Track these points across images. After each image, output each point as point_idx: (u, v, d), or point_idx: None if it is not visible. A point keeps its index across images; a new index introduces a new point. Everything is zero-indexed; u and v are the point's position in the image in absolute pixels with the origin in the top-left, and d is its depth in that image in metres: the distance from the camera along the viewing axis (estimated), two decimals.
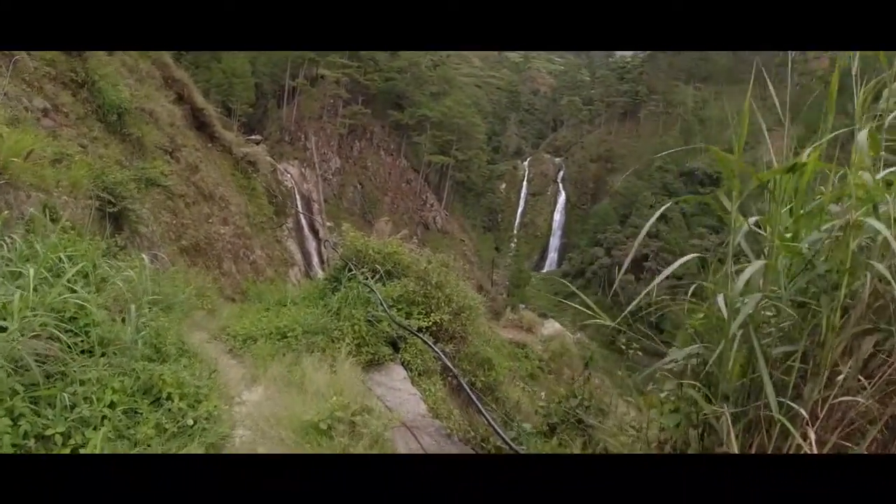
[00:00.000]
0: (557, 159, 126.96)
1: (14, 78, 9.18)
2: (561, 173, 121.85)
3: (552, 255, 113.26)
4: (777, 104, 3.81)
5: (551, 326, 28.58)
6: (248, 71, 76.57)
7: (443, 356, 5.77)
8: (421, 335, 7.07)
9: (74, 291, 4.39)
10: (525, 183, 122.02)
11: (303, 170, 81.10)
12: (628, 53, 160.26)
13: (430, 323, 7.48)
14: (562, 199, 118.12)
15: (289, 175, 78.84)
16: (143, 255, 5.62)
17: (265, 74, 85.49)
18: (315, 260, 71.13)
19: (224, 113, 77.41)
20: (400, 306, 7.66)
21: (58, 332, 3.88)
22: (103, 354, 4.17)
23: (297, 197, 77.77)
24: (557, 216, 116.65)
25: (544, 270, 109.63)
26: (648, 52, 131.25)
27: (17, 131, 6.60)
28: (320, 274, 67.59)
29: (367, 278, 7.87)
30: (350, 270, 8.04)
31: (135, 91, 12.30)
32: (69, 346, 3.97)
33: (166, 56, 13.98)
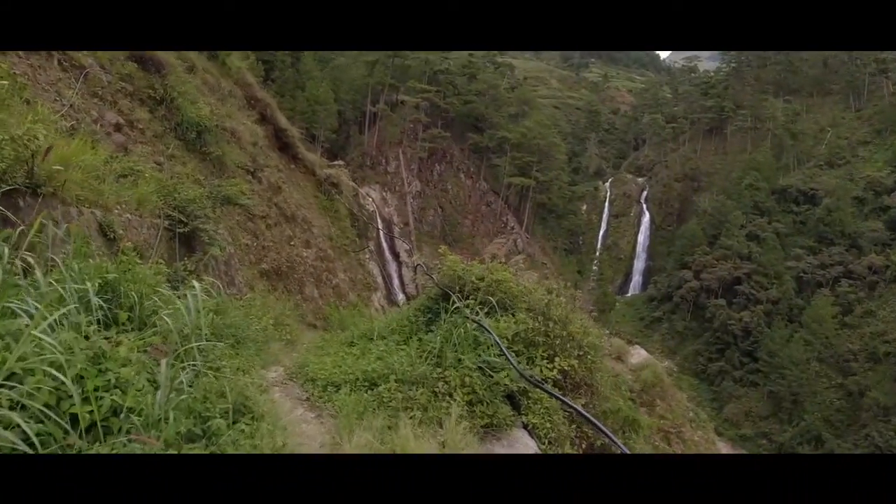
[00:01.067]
0: (640, 179, 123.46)
1: (85, 92, 8.91)
2: (644, 193, 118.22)
3: (636, 279, 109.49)
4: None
5: (638, 354, 27.36)
6: (331, 98, 78.46)
7: (599, 425, 3.80)
8: (557, 393, 5.18)
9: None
10: (607, 204, 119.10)
11: (384, 193, 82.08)
12: (711, 67, 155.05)
13: (556, 371, 5.98)
14: (646, 220, 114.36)
15: (370, 199, 80.00)
16: (195, 282, 4.42)
17: (347, 101, 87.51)
18: (396, 283, 71.49)
19: (308, 139, 79.90)
20: (516, 348, 6.18)
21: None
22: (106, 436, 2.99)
23: (379, 220, 78.76)
24: (641, 238, 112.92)
25: (629, 294, 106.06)
26: (733, 64, 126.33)
27: (70, 140, 6.05)
28: (401, 297, 67.47)
29: (473, 312, 6.43)
30: (451, 301, 6.66)
31: (216, 109, 12.04)
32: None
33: (249, 76, 13.76)
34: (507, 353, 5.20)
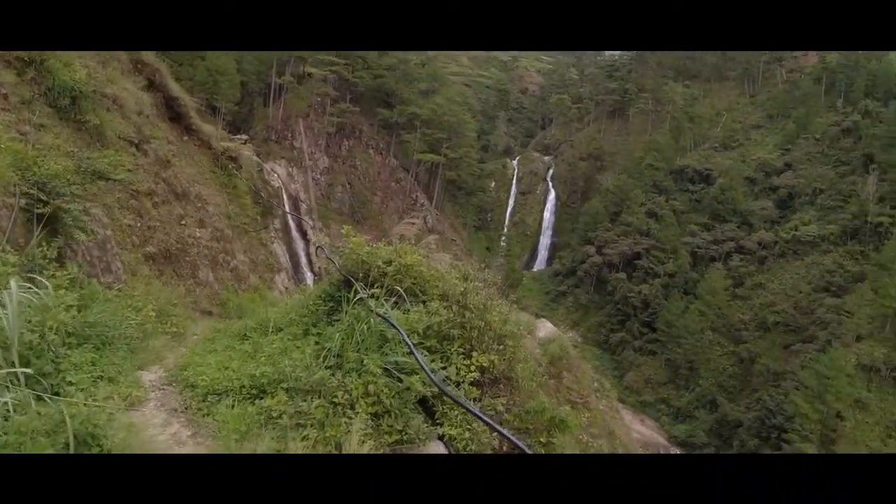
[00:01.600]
0: (547, 158, 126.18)
1: None
2: (550, 172, 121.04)
3: (542, 254, 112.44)
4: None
5: (545, 327, 27.95)
6: (234, 68, 74.64)
7: (504, 433, 3.16)
8: (462, 400, 4.16)
9: None
10: (515, 181, 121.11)
11: (290, 169, 79.51)
12: (616, 52, 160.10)
13: (474, 368, 5.22)
14: (551, 197, 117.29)
15: (276, 174, 77.22)
16: (13, 280, 3.50)
17: (251, 72, 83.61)
18: (304, 262, 69.65)
19: (209, 111, 75.69)
20: (429, 344, 5.36)
21: None
22: None
23: (285, 197, 76.25)
24: (547, 215, 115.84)
25: (535, 269, 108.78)
26: (637, 50, 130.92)
27: None
28: (309, 277, 65.73)
29: (380, 303, 5.60)
30: (353, 290, 5.84)
31: (94, 73, 10.73)
32: None
33: None
34: (416, 352, 4.31)
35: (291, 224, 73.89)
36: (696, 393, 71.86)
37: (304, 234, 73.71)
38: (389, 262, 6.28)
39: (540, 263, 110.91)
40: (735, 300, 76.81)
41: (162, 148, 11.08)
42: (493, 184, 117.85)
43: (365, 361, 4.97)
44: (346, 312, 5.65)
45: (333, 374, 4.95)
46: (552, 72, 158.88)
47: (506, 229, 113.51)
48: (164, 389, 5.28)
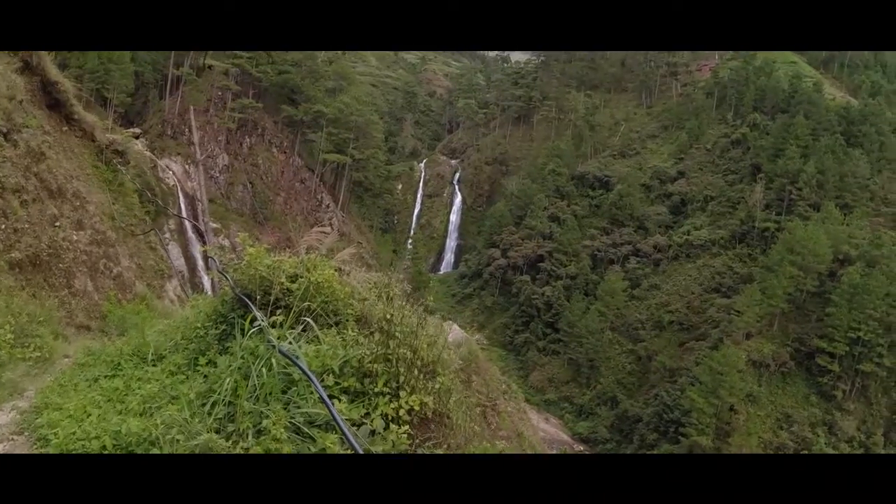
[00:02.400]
0: (453, 161, 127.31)
1: None
2: (457, 175, 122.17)
3: (448, 257, 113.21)
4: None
5: (453, 330, 27.98)
6: (127, 56, 69.99)
7: None
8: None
9: None
10: (421, 184, 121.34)
11: (186, 166, 75.60)
12: (522, 58, 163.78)
13: (403, 412, 4.24)
14: (458, 200, 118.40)
15: (171, 171, 73.11)
16: None
17: (146, 62, 78.95)
18: (200, 265, 66.19)
19: (99, 102, 70.54)
20: (347, 384, 4.39)
21: None
22: None
23: (181, 195, 72.31)
24: (453, 217, 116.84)
25: (441, 272, 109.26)
26: (542, 58, 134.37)
27: None
28: (207, 283, 62.57)
29: (283, 335, 4.53)
30: (250, 317, 4.73)
31: None
32: None
33: None
34: (330, 406, 3.31)
35: (187, 225, 70.17)
36: (597, 391, 74.50)
37: (200, 236, 70.19)
38: (295, 279, 5.34)
39: (446, 266, 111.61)
40: (632, 301, 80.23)
41: (35, 138, 9.67)
42: (399, 186, 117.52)
43: (264, 422, 3.81)
44: (240, 346, 4.50)
45: (223, 432, 3.84)
46: (460, 76, 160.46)
47: (412, 232, 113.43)
48: (12, 440, 4.19)
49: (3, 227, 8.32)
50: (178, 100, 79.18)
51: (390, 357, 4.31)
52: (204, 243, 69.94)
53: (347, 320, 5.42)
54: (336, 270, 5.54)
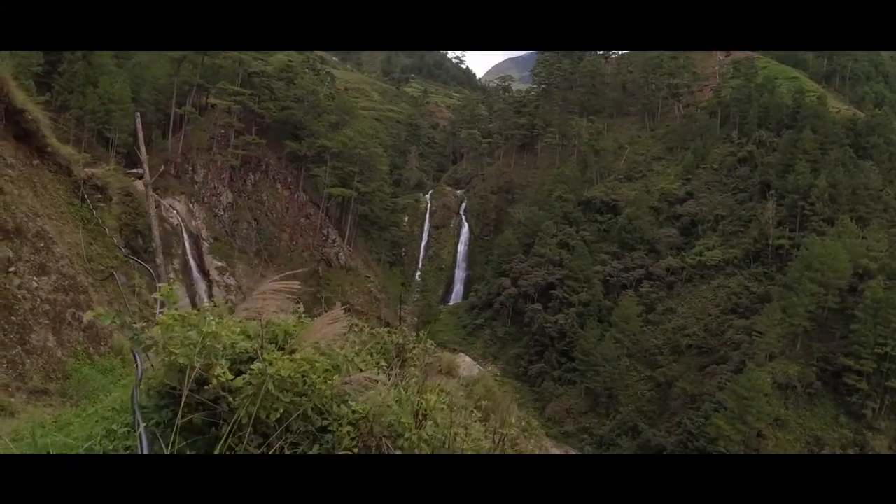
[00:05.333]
0: (459, 191, 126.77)
1: None
2: (463, 205, 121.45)
3: (458, 288, 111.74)
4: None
5: (464, 362, 26.76)
6: (128, 97, 69.89)
7: None
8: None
9: None
10: (428, 215, 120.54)
11: (190, 205, 74.97)
12: (524, 87, 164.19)
13: None
14: (465, 230, 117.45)
15: (174, 211, 72.46)
16: None
17: (149, 102, 78.84)
18: (206, 305, 65.04)
19: (102, 143, 70.24)
20: None
21: None
22: None
23: (185, 234, 71.53)
24: (461, 248, 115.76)
25: (451, 303, 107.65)
26: (543, 86, 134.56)
27: None
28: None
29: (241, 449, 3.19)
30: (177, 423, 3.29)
31: None
32: None
33: None
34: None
35: (192, 264, 69.24)
36: (617, 420, 71.96)
37: (206, 275, 69.18)
38: (246, 364, 3.51)
39: (456, 297, 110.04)
40: (648, 325, 78.25)
41: None
42: (406, 218, 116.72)
43: None
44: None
45: None
46: (462, 107, 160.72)
47: (420, 264, 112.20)
48: None
49: None
50: (181, 139, 78.96)
51: None
52: (209, 282, 68.74)
53: (340, 426, 3.57)
54: (315, 348, 3.87)
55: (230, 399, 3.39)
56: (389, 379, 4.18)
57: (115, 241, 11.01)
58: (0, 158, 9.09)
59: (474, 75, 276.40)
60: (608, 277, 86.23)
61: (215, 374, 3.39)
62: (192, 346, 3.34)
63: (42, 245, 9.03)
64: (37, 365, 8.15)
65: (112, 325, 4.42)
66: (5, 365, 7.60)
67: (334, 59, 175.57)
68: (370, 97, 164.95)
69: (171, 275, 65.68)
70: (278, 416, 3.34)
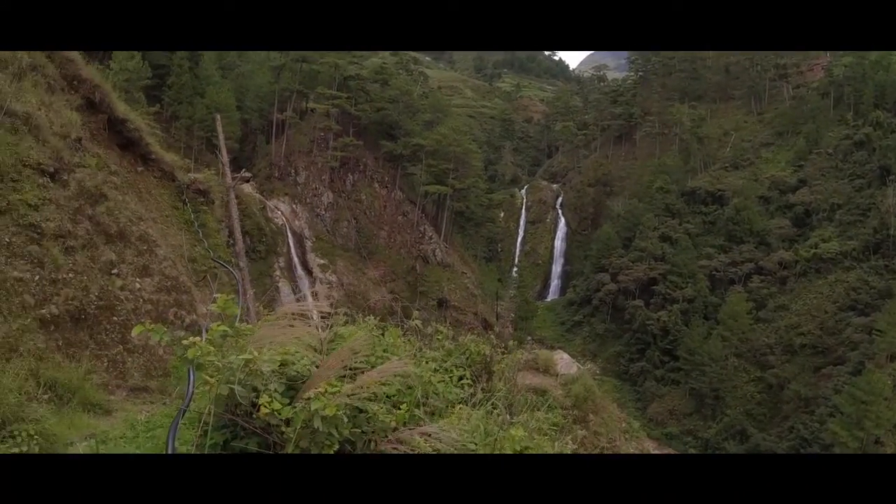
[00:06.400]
0: (555, 185, 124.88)
1: None
2: (559, 199, 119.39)
3: (555, 283, 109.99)
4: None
5: (562, 359, 26.12)
6: (233, 104, 73.62)
7: None
8: None
9: None
10: (524, 210, 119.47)
11: (294, 206, 78.04)
12: (619, 76, 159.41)
13: None
14: (562, 225, 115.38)
15: (279, 212, 75.69)
16: None
17: (253, 109, 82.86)
18: (310, 301, 67.56)
19: (210, 150, 74.44)
20: None
21: None
22: None
23: (289, 234, 74.54)
24: (558, 243, 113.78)
25: (548, 299, 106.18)
26: (640, 73, 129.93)
27: None
28: (316, 318, 64.09)
29: None
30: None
31: None
32: None
33: (71, 51, 10.37)
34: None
35: (296, 261, 72.05)
36: (723, 423, 68.20)
37: (309, 272, 71.76)
38: (292, 393, 3.35)
39: (553, 293, 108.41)
40: (758, 323, 73.67)
41: (91, 179, 8.88)
42: (501, 214, 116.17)
43: None
44: None
45: None
46: (555, 100, 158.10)
47: (517, 259, 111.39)
48: None
49: (38, 278, 7.39)
50: (283, 143, 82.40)
51: None
52: (312, 280, 71.22)
53: None
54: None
55: (283, 429, 3.23)
56: (472, 398, 3.89)
57: (207, 244, 11.34)
58: (105, 166, 9.59)
59: (567, 66, 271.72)
60: (714, 272, 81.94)
61: (265, 402, 3.20)
62: (231, 372, 3.21)
63: (145, 248, 9.45)
64: (138, 363, 8.49)
65: (225, 318, 4.37)
66: (106, 363, 7.95)
67: (427, 59, 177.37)
68: (463, 94, 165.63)
69: (277, 272, 68.65)
70: (333, 451, 3.14)
